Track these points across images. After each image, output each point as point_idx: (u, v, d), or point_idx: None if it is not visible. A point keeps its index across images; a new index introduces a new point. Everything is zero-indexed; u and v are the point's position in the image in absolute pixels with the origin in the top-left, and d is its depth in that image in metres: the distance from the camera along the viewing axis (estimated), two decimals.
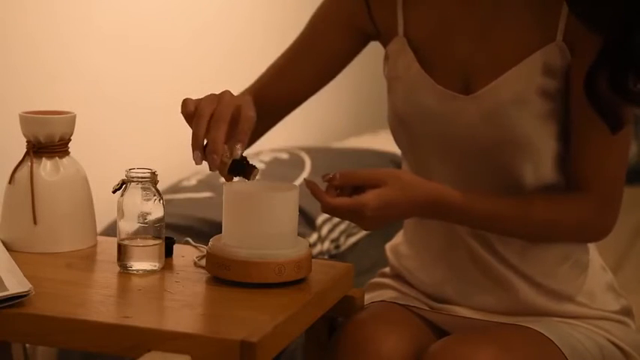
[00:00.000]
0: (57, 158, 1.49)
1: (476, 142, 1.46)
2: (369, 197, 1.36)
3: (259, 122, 1.42)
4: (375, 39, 1.59)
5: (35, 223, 1.46)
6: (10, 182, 1.49)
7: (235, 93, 1.40)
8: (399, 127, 1.53)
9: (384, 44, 1.57)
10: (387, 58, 1.56)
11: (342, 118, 3.48)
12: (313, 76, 1.60)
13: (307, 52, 1.60)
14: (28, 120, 1.48)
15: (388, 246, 1.67)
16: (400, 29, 1.53)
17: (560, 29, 1.43)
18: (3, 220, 1.50)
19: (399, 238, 1.66)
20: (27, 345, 1.64)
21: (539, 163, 1.46)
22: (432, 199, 1.42)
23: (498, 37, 1.47)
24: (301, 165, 2.63)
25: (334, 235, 2.48)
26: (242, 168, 1.37)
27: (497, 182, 1.48)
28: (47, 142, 1.48)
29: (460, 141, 1.47)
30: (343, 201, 1.37)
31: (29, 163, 1.48)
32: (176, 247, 1.50)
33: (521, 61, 1.44)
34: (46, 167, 1.48)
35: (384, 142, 1.62)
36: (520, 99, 1.44)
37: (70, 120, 1.50)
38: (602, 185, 1.45)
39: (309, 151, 2.80)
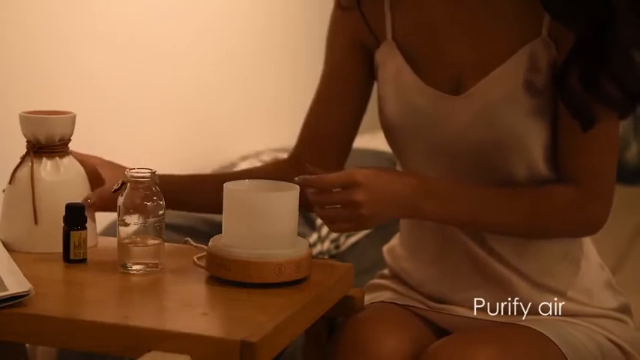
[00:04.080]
0: (57, 158, 1.49)
1: (468, 142, 1.47)
2: (358, 171, 1.37)
3: (328, 164, 1.53)
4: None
5: (36, 223, 1.46)
6: (10, 182, 1.49)
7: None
8: (391, 129, 1.53)
9: (375, 49, 1.56)
10: (377, 62, 1.56)
11: None
12: (351, 102, 1.59)
13: (336, 83, 1.59)
14: (28, 120, 1.48)
15: (385, 248, 1.67)
16: (388, 33, 1.53)
17: (545, 24, 1.44)
18: (3, 220, 1.50)
19: (395, 239, 1.66)
20: (27, 345, 1.64)
21: (532, 160, 1.46)
22: (421, 182, 1.41)
23: (485, 35, 1.47)
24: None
25: (334, 235, 2.48)
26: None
27: (489, 182, 1.48)
28: (47, 142, 1.48)
29: (452, 142, 1.48)
30: (335, 175, 1.36)
31: (29, 163, 1.48)
32: (176, 247, 1.50)
33: (509, 59, 1.44)
34: (46, 167, 1.48)
35: (383, 141, 1.62)
36: (509, 96, 1.44)
37: (70, 120, 1.50)
38: (587, 178, 1.44)
39: None
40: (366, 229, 1.42)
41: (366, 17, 1.55)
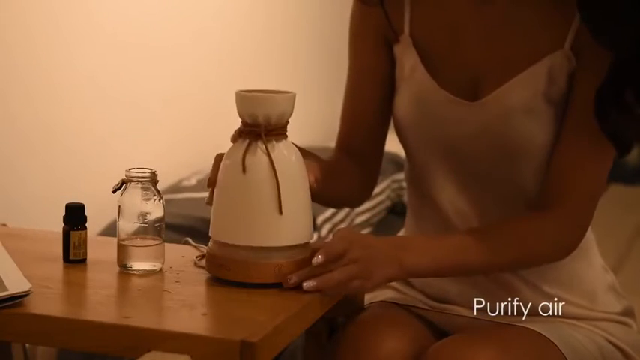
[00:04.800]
0: (274, 142, 1.34)
1: (478, 148, 1.46)
2: (342, 235, 1.35)
3: (364, 170, 1.56)
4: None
5: (281, 213, 1.31)
6: (244, 171, 1.32)
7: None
8: (402, 126, 1.52)
9: (394, 44, 1.54)
10: (395, 57, 1.54)
11: None
12: (380, 98, 1.56)
13: (363, 79, 1.57)
14: (250, 99, 1.33)
15: None
16: (406, 28, 1.52)
17: (570, 38, 1.42)
18: (228, 213, 1.36)
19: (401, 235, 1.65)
20: (27, 345, 1.64)
21: (540, 167, 1.45)
22: (395, 239, 1.42)
23: (507, 43, 1.45)
24: None
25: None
26: None
27: (498, 186, 1.47)
28: (277, 123, 1.33)
29: (462, 146, 1.47)
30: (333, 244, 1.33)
31: (263, 146, 1.32)
32: (176, 247, 1.50)
33: (528, 68, 1.43)
34: (282, 150, 1.33)
35: (388, 141, 1.62)
36: (525, 107, 1.42)
37: (292, 99, 1.35)
38: (573, 201, 1.42)
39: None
40: (375, 284, 1.37)
41: (387, 11, 1.53)
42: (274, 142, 1.34)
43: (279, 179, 1.31)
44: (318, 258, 1.31)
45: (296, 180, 1.35)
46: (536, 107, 1.43)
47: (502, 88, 1.44)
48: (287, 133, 1.36)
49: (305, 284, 1.30)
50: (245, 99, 1.34)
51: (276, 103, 1.34)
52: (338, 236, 1.35)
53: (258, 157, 1.32)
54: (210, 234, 1.38)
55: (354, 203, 1.70)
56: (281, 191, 1.31)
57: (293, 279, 1.31)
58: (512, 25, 1.45)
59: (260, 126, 1.32)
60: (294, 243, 1.34)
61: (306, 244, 1.37)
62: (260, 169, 1.32)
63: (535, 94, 1.42)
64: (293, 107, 1.36)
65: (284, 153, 1.34)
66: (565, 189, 1.42)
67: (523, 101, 1.43)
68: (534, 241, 1.43)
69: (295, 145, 1.38)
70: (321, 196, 1.45)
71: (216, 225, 1.36)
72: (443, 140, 1.48)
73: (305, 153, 1.41)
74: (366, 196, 1.65)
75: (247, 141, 1.33)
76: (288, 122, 1.36)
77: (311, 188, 1.38)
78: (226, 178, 1.35)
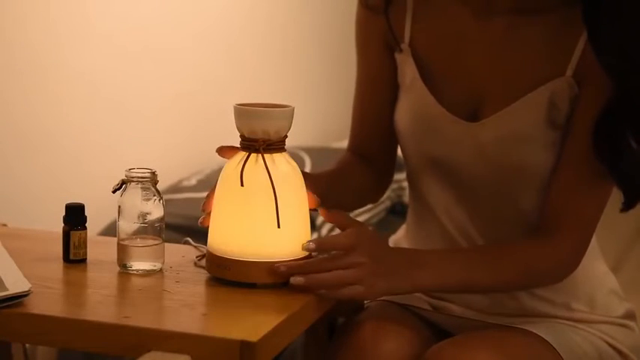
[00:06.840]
0: (282, 154, 1.35)
1: (477, 168, 1.45)
2: (358, 232, 1.33)
3: (375, 169, 1.55)
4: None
5: (279, 226, 1.31)
6: (242, 184, 1.32)
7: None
8: (402, 139, 1.52)
9: (395, 52, 1.54)
10: (397, 64, 1.54)
11: (341, 118, 3.49)
12: (386, 101, 1.55)
13: (369, 83, 1.57)
14: (258, 114, 1.33)
15: (391, 239, 1.67)
16: (406, 37, 1.51)
17: (572, 65, 1.41)
18: (225, 225, 1.35)
19: (401, 232, 1.65)
20: (27, 345, 1.64)
21: (539, 189, 1.45)
22: (411, 254, 1.41)
23: (509, 65, 1.44)
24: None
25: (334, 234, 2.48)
26: None
27: (496, 204, 1.47)
28: (276, 137, 1.33)
29: (461, 165, 1.46)
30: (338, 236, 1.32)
31: (261, 160, 1.32)
32: (176, 247, 1.50)
33: (529, 93, 1.42)
34: (280, 164, 1.33)
35: None
36: (526, 132, 1.42)
37: (290, 113, 1.35)
38: (577, 227, 1.43)
39: (309, 151, 2.80)
40: (376, 296, 1.37)
41: (390, 19, 1.51)
42: (273, 155, 1.34)
43: (277, 193, 1.31)
44: (309, 245, 1.30)
45: (294, 194, 1.35)
46: (536, 133, 1.42)
47: (503, 111, 1.43)
48: (285, 146, 1.36)
49: (292, 279, 1.29)
50: (243, 113, 1.34)
51: (274, 117, 1.34)
52: (349, 231, 1.33)
53: (256, 170, 1.32)
54: (207, 246, 1.38)
55: (366, 202, 1.69)
56: (279, 205, 1.31)
57: (281, 268, 1.30)
58: (516, 47, 1.44)
59: (258, 140, 1.33)
60: (291, 257, 1.33)
61: (307, 257, 1.37)
62: (258, 183, 1.32)
63: (536, 120, 1.42)
64: (292, 121, 1.35)
65: (282, 167, 1.34)
66: (564, 214, 1.42)
67: (523, 126, 1.42)
68: (536, 267, 1.42)
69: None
70: (327, 204, 1.45)
71: (213, 237, 1.36)
72: (440, 157, 1.48)
73: (304, 175, 1.39)
74: (379, 194, 1.65)
75: (246, 154, 1.33)
76: (286, 136, 1.36)
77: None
78: (224, 191, 1.35)
